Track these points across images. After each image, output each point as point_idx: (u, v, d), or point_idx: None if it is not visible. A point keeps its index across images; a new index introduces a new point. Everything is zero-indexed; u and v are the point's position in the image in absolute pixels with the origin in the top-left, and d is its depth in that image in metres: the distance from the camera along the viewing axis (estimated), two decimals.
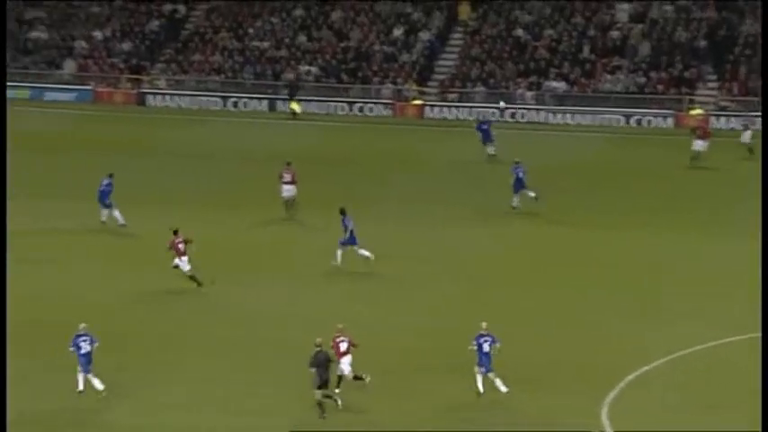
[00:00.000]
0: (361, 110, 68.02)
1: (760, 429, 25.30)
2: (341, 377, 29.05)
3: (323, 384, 27.90)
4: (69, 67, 71.11)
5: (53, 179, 50.91)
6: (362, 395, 28.76)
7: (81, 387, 29.07)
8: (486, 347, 28.95)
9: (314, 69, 70.55)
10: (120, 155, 55.58)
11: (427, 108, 67.46)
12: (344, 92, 69.24)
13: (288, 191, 44.42)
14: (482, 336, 29.11)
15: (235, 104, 68.27)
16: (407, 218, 45.35)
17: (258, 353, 31.76)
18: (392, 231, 42.96)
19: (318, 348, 28.04)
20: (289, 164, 44.99)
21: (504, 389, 28.89)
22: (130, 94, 69.10)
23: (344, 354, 29.01)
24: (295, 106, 66.29)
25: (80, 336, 29.33)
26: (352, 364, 28.97)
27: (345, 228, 38.86)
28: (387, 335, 32.67)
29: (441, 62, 71.77)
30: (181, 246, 36.81)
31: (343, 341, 29.13)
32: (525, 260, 40.45)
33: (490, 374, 28.98)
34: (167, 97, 68.81)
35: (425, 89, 69.35)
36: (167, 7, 75.03)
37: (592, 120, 65.80)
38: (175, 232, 37.13)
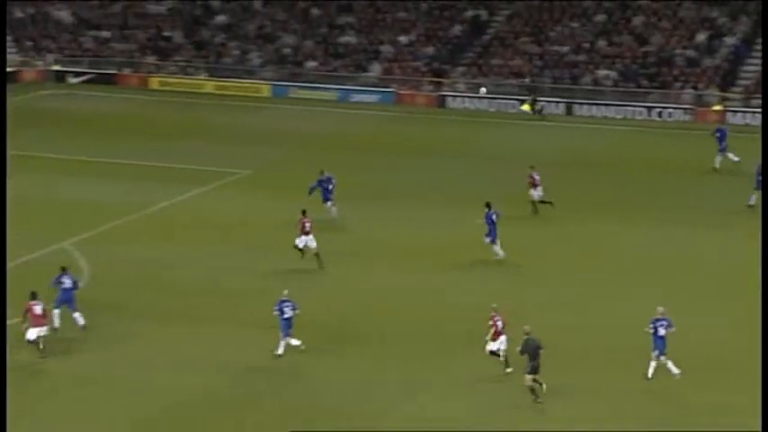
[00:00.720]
0: (659, 115, 67.36)
1: (760, 430, 25.30)
2: (493, 353, 31.01)
3: (533, 370, 29.16)
4: (375, 70, 73.88)
5: (357, 178, 53.05)
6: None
7: (280, 351, 31.75)
8: (661, 331, 30.05)
9: (612, 74, 70.44)
10: (418, 155, 57.62)
11: (729, 114, 66.01)
12: (643, 96, 68.78)
13: (536, 194, 46.07)
14: (658, 320, 30.11)
15: None
16: (656, 222, 45.70)
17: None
18: (624, 233, 44.16)
19: (527, 336, 29.34)
20: (532, 167, 46.41)
21: (676, 371, 30.03)
22: (431, 97, 71.01)
23: (501, 333, 30.80)
24: (525, 108, 66.80)
25: (284, 301, 31.87)
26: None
27: (489, 221, 40.05)
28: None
29: (746, 67, 70.08)
30: (308, 225, 39.08)
31: (498, 320, 30.91)
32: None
33: (662, 358, 30.16)
34: (466, 100, 70.23)
35: (728, 95, 67.92)
36: (470, 13, 76.80)
37: None
38: (303, 212, 39.67)
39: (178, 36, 78.45)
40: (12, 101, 69.10)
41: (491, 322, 31.13)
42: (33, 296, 33.20)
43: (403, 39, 75.62)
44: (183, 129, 63.33)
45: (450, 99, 70.58)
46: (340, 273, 39.70)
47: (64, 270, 35.26)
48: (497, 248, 40.32)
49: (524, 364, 29.88)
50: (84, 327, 34.67)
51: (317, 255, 39.72)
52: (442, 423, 28.91)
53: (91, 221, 44.70)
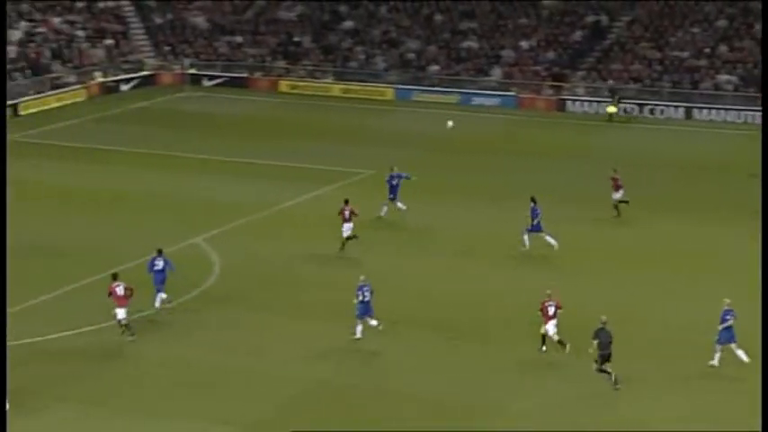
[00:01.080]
0: None
1: (760, 429, 25.92)
2: (544, 336, 32.98)
3: (604, 358, 30.74)
4: (496, 74, 75.34)
5: (475, 179, 54.53)
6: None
7: (359, 335, 34.24)
8: (730, 321, 31.68)
9: (733, 79, 70.82)
10: (537, 157, 58.90)
11: None
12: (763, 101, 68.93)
13: (617, 195, 47.39)
14: (727, 311, 31.75)
15: (651, 111, 69.82)
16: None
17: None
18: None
19: (603, 325, 30.89)
20: (615, 170, 47.80)
21: (716, 363, 31.92)
22: (551, 101, 72.19)
23: (552, 317, 32.61)
24: (612, 109, 68.20)
25: (363, 286, 34.38)
26: (558, 327, 33.03)
27: (534, 216, 42.17)
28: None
29: None
30: (347, 214, 42.13)
31: (551, 305, 32.77)
32: None
33: (732, 345, 31.83)
34: (585, 104, 71.33)
35: None
36: (591, 18, 77.83)
37: None
38: (346, 201, 42.73)
39: (307, 41, 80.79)
40: (151, 103, 72.76)
41: (541, 306, 33.05)
42: (114, 277, 35.34)
43: (524, 44, 76.96)
44: (311, 130, 65.39)
45: (569, 103, 71.72)
46: (454, 272, 41.36)
47: (159, 252, 37.33)
48: (526, 239, 42.66)
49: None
50: (165, 301, 36.94)
51: (348, 238, 42.61)
52: (554, 422, 29.96)
53: (223, 218, 47.06)
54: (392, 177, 47.12)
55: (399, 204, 46.92)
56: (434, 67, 76.34)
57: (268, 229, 46.34)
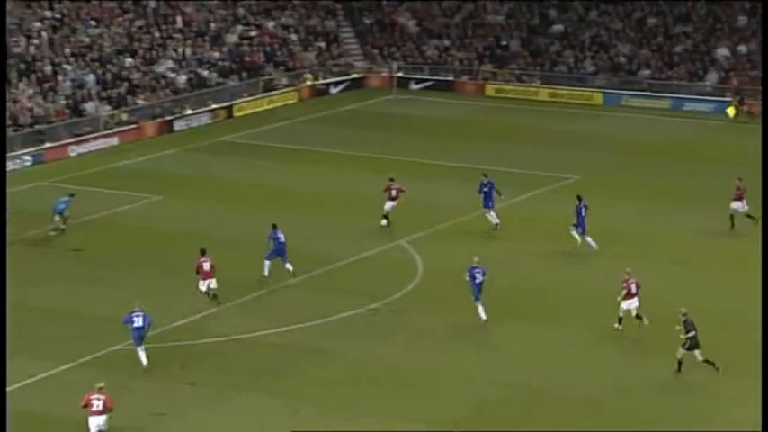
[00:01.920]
0: None
1: (760, 429, 25.61)
2: (621, 317, 34.81)
3: (693, 346, 32.30)
4: (711, 79, 73.34)
5: (679, 184, 53.90)
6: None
7: (483, 316, 35.84)
8: None
9: None
10: (740, 165, 57.12)
11: None
12: None
13: (738, 205, 45.95)
14: None
15: None
16: None
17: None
18: None
19: (685, 317, 32.01)
20: (740, 179, 46.28)
21: None
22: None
23: (633, 295, 34.74)
24: (730, 111, 66.84)
25: (474, 267, 36.02)
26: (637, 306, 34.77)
27: (578, 214, 42.30)
28: None
29: None
30: (393, 192, 45.62)
31: (632, 283, 34.75)
32: None
33: None
34: None
35: None
36: None
37: None
38: (391, 180, 46.02)
39: (515, 45, 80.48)
40: (359, 105, 73.84)
41: (624, 284, 34.83)
42: (203, 253, 37.61)
43: (742, 48, 74.64)
44: (516, 135, 65.03)
45: None
46: (670, 280, 40.52)
47: (275, 227, 40.10)
48: (589, 239, 42.73)
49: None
50: (292, 272, 39.68)
51: (385, 215, 45.55)
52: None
53: (428, 220, 47.26)
54: (483, 185, 46.49)
55: (493, 214, 46.30)
56: (645, 72, 74.89)
57: (471, 233, 46.23)
